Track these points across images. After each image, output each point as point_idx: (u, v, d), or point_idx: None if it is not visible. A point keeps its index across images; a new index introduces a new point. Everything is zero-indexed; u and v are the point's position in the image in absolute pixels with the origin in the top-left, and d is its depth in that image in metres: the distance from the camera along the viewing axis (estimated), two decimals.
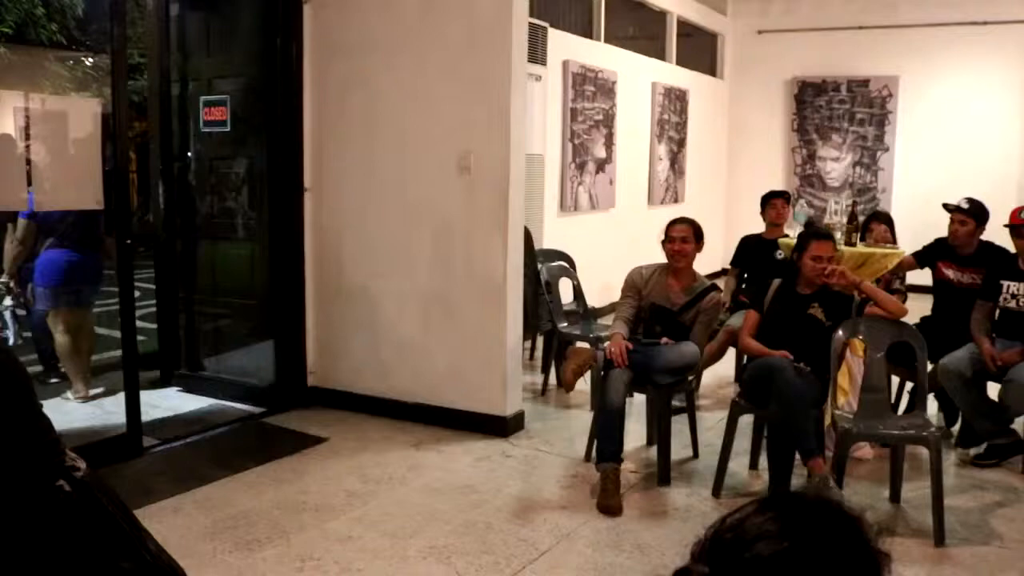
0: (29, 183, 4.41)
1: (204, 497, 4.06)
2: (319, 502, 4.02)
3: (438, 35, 4.94)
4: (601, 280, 7.71)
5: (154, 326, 6.25)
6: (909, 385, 5.01)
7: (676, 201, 10.16)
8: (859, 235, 6.04)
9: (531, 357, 6.58)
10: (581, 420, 5.18)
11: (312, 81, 5.31)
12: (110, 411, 5.13)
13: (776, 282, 4.42)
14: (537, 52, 7.06)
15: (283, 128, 5.30)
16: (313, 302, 5.47)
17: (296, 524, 3.77)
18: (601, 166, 8.52)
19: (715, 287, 4.62)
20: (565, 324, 5.88)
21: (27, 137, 4.37)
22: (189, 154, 5.84)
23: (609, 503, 3.92)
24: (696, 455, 4.67)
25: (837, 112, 11.13)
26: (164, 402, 5.49)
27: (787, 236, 6.06)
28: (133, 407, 4.57)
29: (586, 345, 5.31)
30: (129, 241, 4.54)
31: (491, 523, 3.81)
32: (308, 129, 5.33)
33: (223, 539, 3.61)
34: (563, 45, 7.73)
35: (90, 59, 12.05)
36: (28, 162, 4.38)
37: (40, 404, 1.17)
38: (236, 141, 5.59)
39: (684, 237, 4.50)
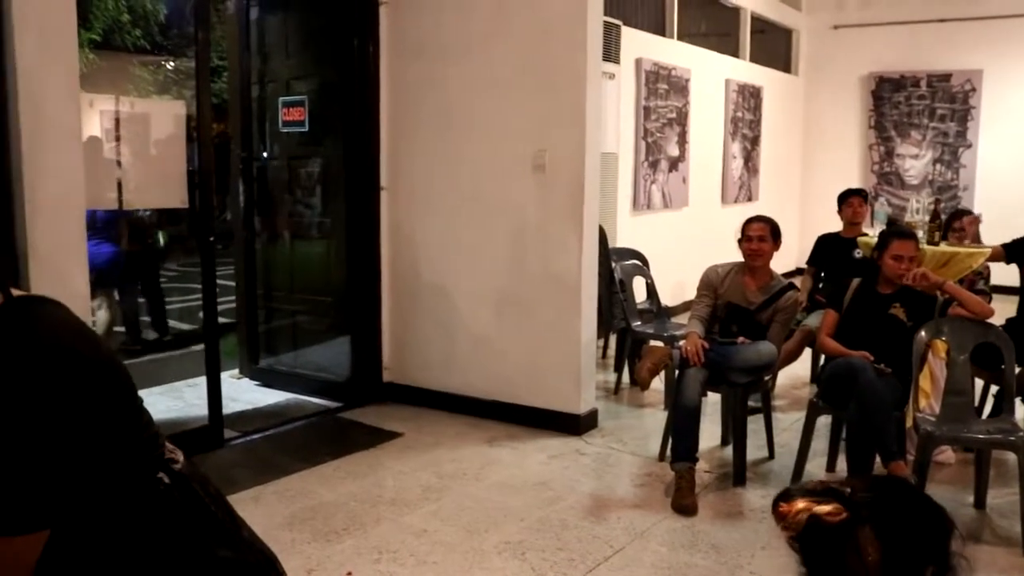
0: (118, 184, 4.55)
1: (283, 488, 4.15)
2: (395, 496, 4.07)
3: (512, 34, 4.96)
4: (674, 279, 7.67)
5: (233, 321, 6.41)
6: (994, 388, 4.86)
7: (750, 199, 10.02)
8: (941, 234, 5.87)
9: (603, 356, 6.56)
10: (655, 419, 5.16)
11: (388, 81, 5.38)
12: (192, 403, 5.28)
13: (856, 281, 4.34)
14: (610, 50, 7.04)
15: (359, 127, 5.38)
16: (389, 299, 5.54)
17: (373, 516, 3.83)
18: (674, 164, 8.45)
19: (792, 286, 4.57)
20: (639, 323, 5.86)
21: (116, 139, 4.51)
22: (267, 154, 5.96)
23: (684, 502, 3.90)
24: (772, 456, 4.61)
25: (916, 108, 10.84)
26: (244, 396, 5.63)
27: (866, 235, 5.94)
28: (215, 400, 4.70)
29: (660, 344, 5.28)
30: (212, 239, 4.66)
31: (565, 520, 3.82)
32: (384, 128, 5.40)
33: (302, 529, 3.69)
34: (636, 43, 7.69)
35: (171, 63, 12.39)
36: (118, 164, 4.52)
37: (141, 399, 1.20)
38: (313, 141, 5.68)
39: (761, 236, 4.45)
